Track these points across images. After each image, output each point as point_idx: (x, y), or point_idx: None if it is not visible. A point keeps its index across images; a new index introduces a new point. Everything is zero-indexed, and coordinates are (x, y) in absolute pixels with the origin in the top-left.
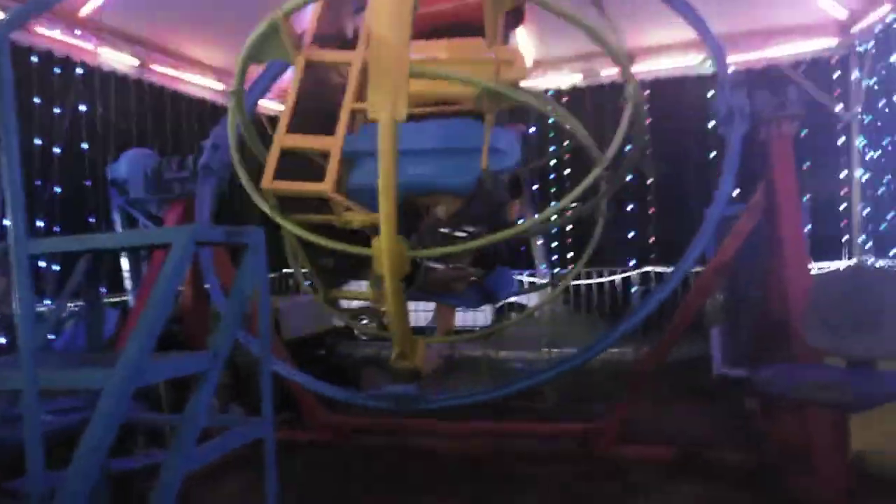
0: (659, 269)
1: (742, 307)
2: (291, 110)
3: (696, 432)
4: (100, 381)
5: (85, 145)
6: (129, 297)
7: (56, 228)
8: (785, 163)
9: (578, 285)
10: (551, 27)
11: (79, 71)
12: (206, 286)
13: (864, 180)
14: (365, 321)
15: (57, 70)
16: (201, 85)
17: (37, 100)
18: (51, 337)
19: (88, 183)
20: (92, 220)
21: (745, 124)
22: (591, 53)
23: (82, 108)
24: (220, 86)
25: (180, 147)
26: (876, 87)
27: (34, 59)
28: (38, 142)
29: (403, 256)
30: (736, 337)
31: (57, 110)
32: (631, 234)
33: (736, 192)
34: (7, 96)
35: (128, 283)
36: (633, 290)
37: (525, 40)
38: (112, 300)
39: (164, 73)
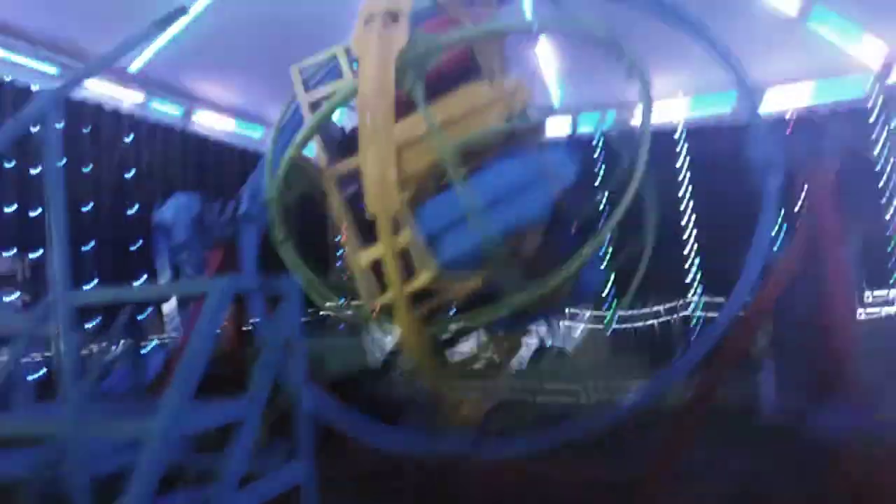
0: (700, 313)
1: (790, 347)
2: (348, 224)
3: (747, 477)
4: (141, 432)
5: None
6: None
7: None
8: (825, 207)
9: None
10: (581, 74)
11: (125, 121)
12: (245, 328)
13: None
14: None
15: (106, 120)
16: (239, 132)
17: (85, 152)
18: None
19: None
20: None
21: (780, 175)
22: (620, 102)
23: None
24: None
25: (218, 191)
26: None
27: (84, 110)
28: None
29: (420, 336)
30: (787, 377)
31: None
32: (671, 271)
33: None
34: (51, 157)
35: (174, 323)
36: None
37: (552, 82)
38: (162, 339)
39: (205, 121)
